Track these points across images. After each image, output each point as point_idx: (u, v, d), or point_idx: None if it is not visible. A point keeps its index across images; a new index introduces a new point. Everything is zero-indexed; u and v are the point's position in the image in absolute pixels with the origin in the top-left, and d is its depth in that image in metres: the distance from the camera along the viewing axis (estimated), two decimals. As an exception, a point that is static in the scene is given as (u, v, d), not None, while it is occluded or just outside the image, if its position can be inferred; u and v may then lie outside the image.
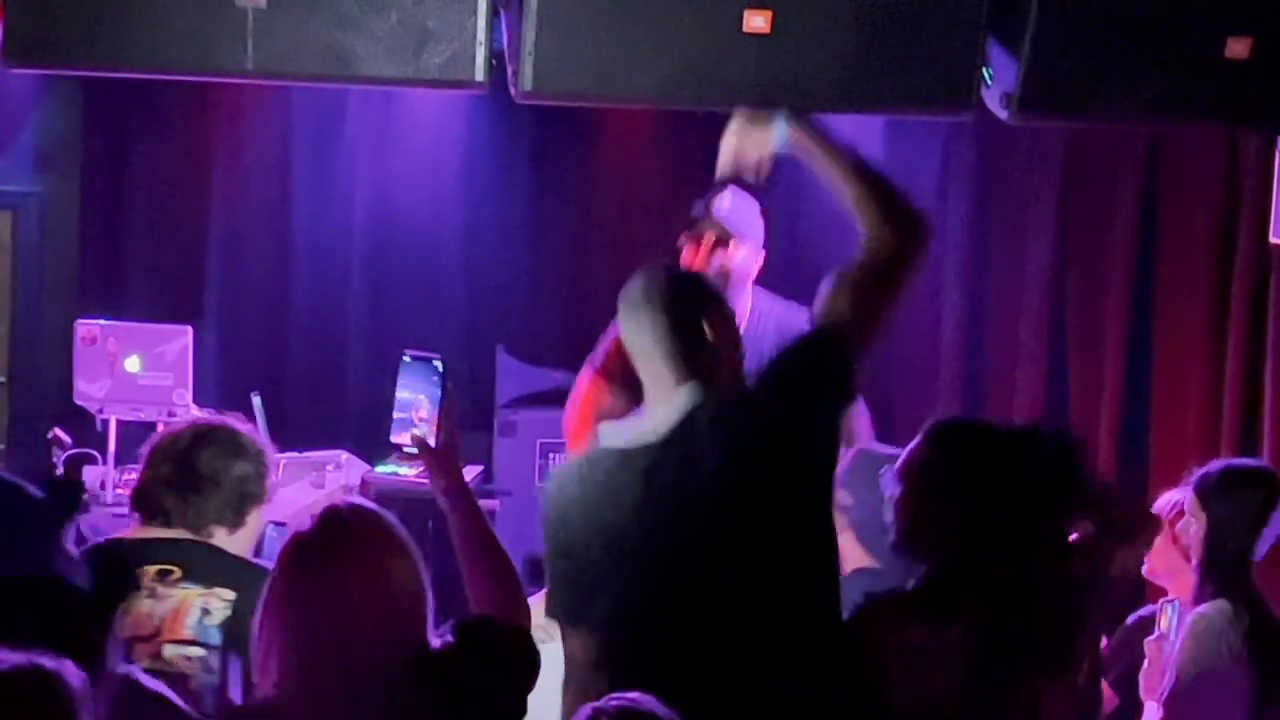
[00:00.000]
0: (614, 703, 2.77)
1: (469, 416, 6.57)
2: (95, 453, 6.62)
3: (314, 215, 7.83)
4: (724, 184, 5.44)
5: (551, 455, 6.57)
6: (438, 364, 3.38)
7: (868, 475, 4.40)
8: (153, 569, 3.56)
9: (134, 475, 6.50)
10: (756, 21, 4.83)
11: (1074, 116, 5.38)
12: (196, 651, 3.47)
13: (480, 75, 4.86)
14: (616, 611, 3.50)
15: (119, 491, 6.57)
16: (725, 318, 3.75)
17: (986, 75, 5.04)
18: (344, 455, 6.69)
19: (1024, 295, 7.54)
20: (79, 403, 6.74)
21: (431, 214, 8.05)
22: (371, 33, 4.75)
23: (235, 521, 3.65)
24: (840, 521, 3.94)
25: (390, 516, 3.01)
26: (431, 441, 3.32)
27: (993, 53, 5.02)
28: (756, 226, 5.67)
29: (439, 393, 3.35)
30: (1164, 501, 4.79)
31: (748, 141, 4.18)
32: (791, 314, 5.58)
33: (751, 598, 3.52)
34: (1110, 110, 5.09)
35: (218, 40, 4.78)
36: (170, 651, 3.46)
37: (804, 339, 3.72)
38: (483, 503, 6.45)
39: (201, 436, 3.70)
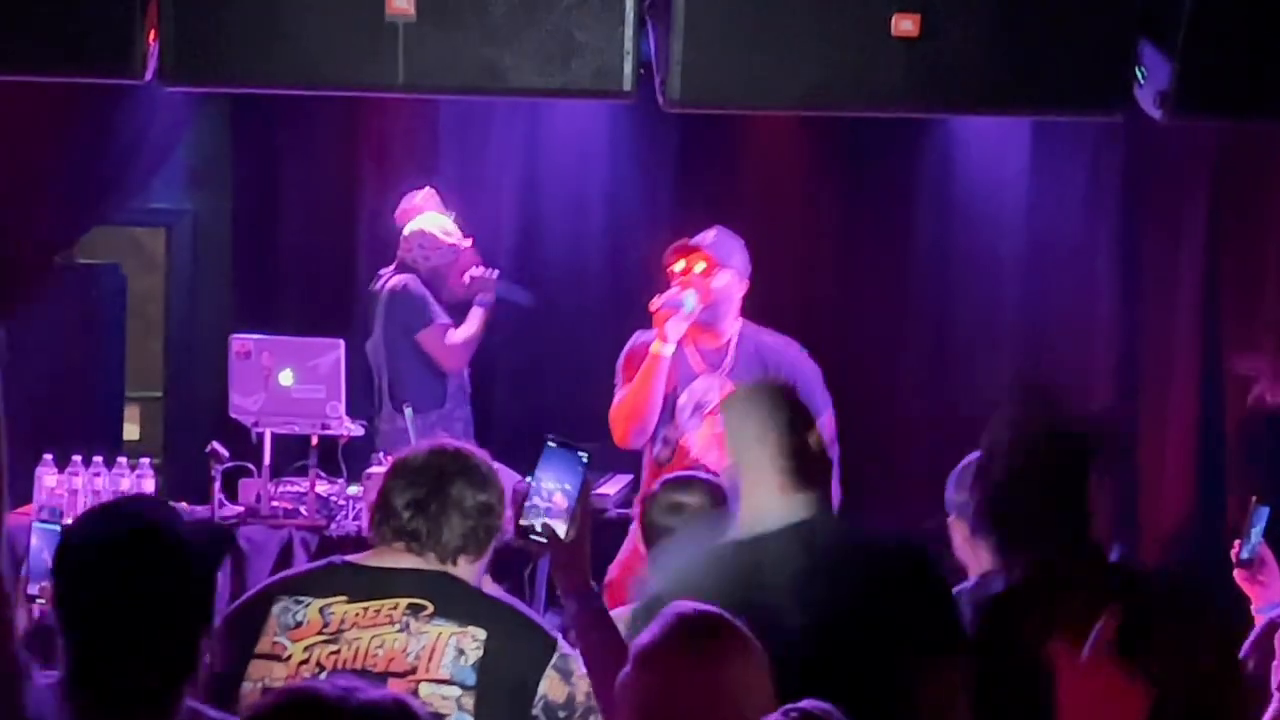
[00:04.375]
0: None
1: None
2: (251, 465, 6.69)
3: (460, 226, 7.88)
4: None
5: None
6: (583, 456, 3.24)
7: None
8: (404, 602, 3.50)
9: (290, 487, 6.72)
10: (905, 25, 4.80)
11: (1230, 115, 5.29)
12: (453, 691, 3.43)
13: (628, 85, 4.87)
14: None
15: (275, 504, 6.65)
16: (821, 429, 3.77)
17: (1139, 74, 4.97)
18: (495, 466, 6.71)
19: (1177, 295, 7.44)
20: (234, 416, 6.81)
21: (577, 222, 8.09)
22: (521, 45, 4.77)
23: (478, 551, 3.60)
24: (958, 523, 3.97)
25: (737, 623, 2.99)
26: (561, 534, 3.23)
27: (1145, 51, 4.95)
28: (738, 257, 6.10)
29: (578, 486, 3.22)
30: None
31: None
32: (775, 343, 6.08)
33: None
34: (1269, 108, 5.01)
35: (368, 55, 4.82)
36: (426, 690, 3.41)
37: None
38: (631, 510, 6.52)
39: (452, 463, 3.61)
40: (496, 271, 7.31)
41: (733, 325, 6.10)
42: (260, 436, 6.73)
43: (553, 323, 8.04)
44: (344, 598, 3.52)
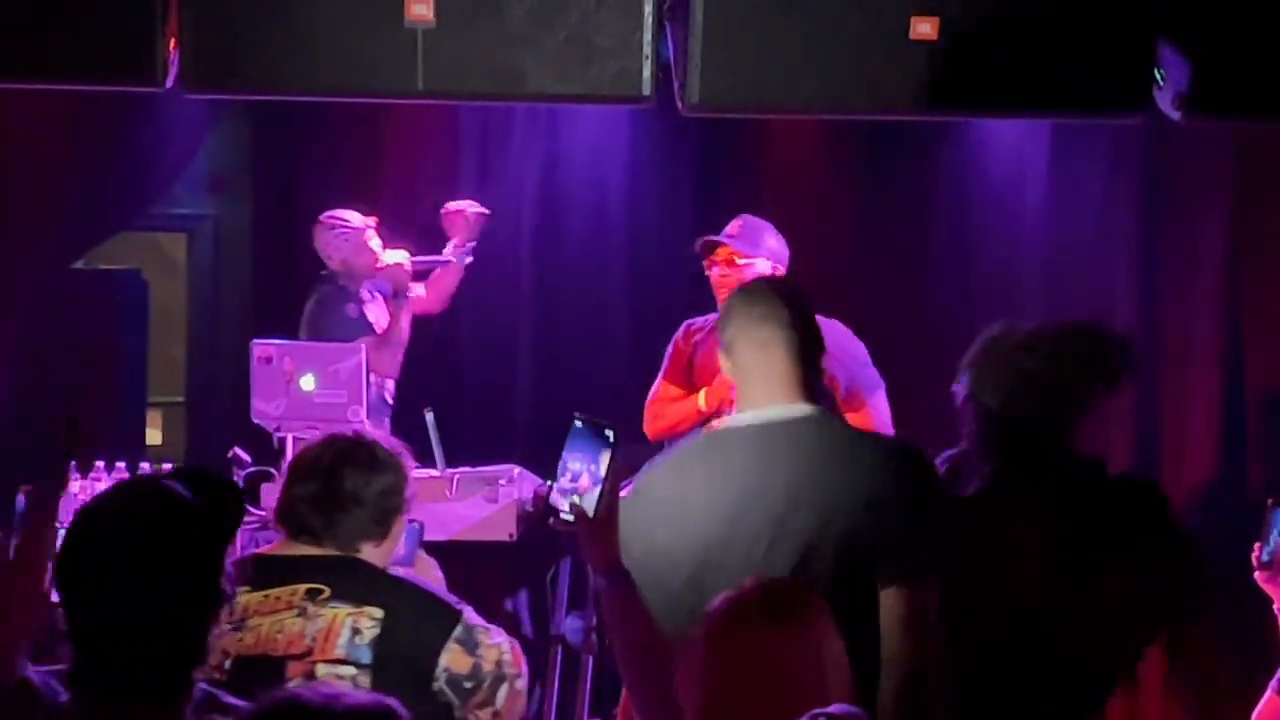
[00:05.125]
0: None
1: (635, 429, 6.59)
2: (273, 470, 6.70)
3: (482, 231, 7.91)
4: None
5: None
6: (609, 433, 3.18)
7: None
8: (302, 588, 3.59)
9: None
10: (924, 28, 4.80)
11: (1249, 115, 5.28)
12: (348, 671, 3.50)
13: (647, 89, 4.88)
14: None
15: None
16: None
17: (1158, 76, 4.97)
18: (516, 470, 6.72)
19: (1197, 296, 7.44)
20: (256, 421, 6.82)
21: (597, 226, 8.10)
22: (540, 50, 4.79)
23: (380, 535, 3.69)
24: None
25: (816, 593, 3.02)
26: (590, 511, 3.19)
27: (1163, 53, 4.96)
28: (768, 244, 6.05)
29: (605, 463, 3.18)
30: None
31: None
32: (821, 321, 5.82)
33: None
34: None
35: (388, 62, 4.84)
36: (323, 671, 3.50)
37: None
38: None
39: (342, 455, 3.70)
40: (407, 256, 7.25)
41: None
42: (282, 441, 6.74)
43: (572, 325, 8.06)
44: (247, 588, 3.60)
